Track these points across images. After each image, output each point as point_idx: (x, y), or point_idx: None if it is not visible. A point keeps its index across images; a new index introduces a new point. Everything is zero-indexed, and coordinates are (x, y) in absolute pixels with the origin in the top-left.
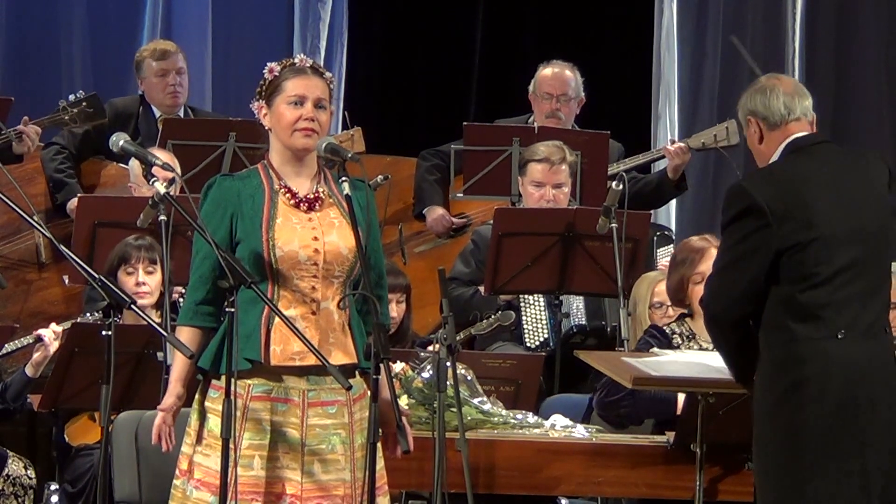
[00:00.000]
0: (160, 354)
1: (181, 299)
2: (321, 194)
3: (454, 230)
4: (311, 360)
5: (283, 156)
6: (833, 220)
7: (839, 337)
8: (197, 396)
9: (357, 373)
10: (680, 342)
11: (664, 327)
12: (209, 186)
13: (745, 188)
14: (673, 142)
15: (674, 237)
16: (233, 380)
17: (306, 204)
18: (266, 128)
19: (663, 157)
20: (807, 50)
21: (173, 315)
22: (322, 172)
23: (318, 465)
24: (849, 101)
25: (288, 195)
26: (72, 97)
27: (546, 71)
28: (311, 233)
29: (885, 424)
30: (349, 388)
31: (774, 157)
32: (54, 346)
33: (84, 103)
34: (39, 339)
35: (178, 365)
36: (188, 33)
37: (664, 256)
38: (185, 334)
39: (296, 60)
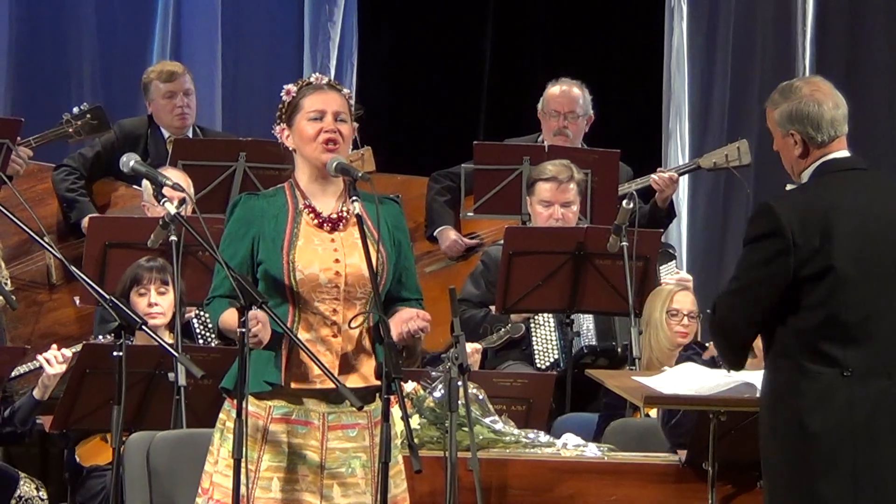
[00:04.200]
0: (171, 375)
1: (195, 319)
2: (345, 213)
3: (466, 252)
4: (332, 384)
5: (310, 175)
6: (854, 254)
7: (845, 375)
8: (221, 415)
9: (378, 396)
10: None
11: (707, 345)
12: (234, 204)
13: (773, 208)
14: (661, 171)
15: (676, 254)
16: (250, 400)
17: (329, 224)
18: (290, 149)
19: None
20: (817, 70)
21: (186, 339)
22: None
23: (338, 489)
24: (860, 118)
25: (311, 215)
26: (76, 109)
27: (554, 89)
28: (332, 255)
29: (882, 468)
30: (360, 407)
31: (808, 172)
32: (57, 368)
33: (88, 115)
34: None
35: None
36: (198, 52)
37: (667, 273)
38: (231, 313)
39: (311, 79)
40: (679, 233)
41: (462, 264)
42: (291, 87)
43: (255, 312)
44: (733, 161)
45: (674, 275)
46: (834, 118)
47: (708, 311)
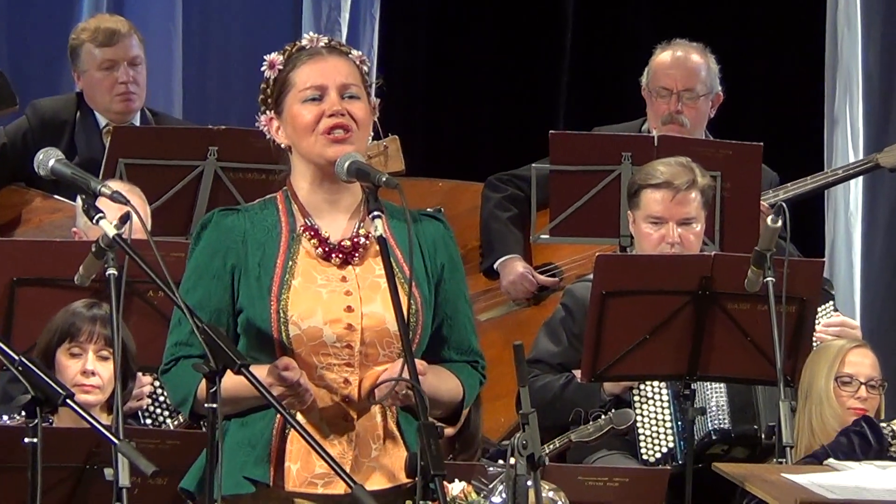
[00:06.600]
0: (109, 471)
1: (152, 403)
2: (363, 239)
3: (539, 291)
4: (343, 486)
5: (312, 180)
6: None
7: None
8: None
9: (411, 501)
10: None
11: (884, 425)
12: (203, 226)
13: None
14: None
15: (834, 293)
16: None
17: (340, 254)
18: (284, 146)
19: (844, 179)
20: None
21: (130, 419)
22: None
23: None
24: None
25: (314, 240)
26: None
27: (664, 56)
28: (342, 300)
29: None
30: None
31: None
32: None
33: None
34: None
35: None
36: (149, 5)
37: (822, 317)
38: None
39: (304, 41)
40: (849, 261)
41: (534, 308)
42: (276, 58)
43: (287, 360)
44: None
45: (831, 319)
46: None
47: None
